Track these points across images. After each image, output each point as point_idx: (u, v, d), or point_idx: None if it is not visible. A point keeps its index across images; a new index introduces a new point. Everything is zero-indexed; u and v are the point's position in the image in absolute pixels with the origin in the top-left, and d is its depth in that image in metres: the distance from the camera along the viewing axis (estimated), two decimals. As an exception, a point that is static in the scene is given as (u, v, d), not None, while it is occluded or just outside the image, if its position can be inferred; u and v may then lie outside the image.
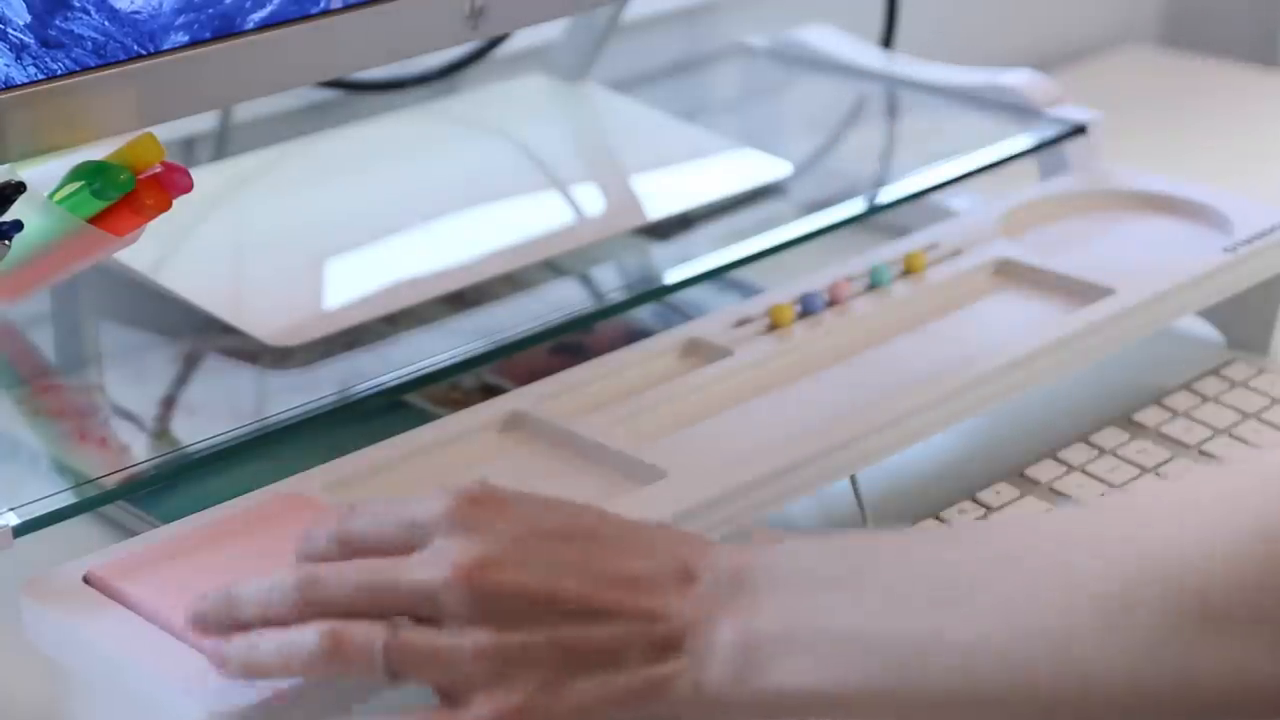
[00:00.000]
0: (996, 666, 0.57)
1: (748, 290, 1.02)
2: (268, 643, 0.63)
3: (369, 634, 0.61)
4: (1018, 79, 1.14)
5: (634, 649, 0.61)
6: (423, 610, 0.62)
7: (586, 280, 1.02)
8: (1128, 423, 0.94)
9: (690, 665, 0.61)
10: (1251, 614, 0.54)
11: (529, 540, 0.62)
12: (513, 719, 0.60)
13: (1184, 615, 0.55)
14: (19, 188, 0.75)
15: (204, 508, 0.76)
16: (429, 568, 0.61)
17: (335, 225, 1.03)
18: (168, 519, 0.76)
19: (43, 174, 0.77)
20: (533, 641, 0.60)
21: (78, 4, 0.74)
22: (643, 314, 1.01)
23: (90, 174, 0.76)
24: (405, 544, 0.63)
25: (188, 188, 0.78)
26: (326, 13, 0.82)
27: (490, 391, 0.88)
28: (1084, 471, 0.89)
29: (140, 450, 0.87)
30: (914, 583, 0.59)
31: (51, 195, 0.77)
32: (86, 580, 0.71)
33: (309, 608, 0.63)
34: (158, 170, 0.77)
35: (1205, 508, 0.57)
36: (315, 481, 0.77)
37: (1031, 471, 0.90)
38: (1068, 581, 0.56)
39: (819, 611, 0.60)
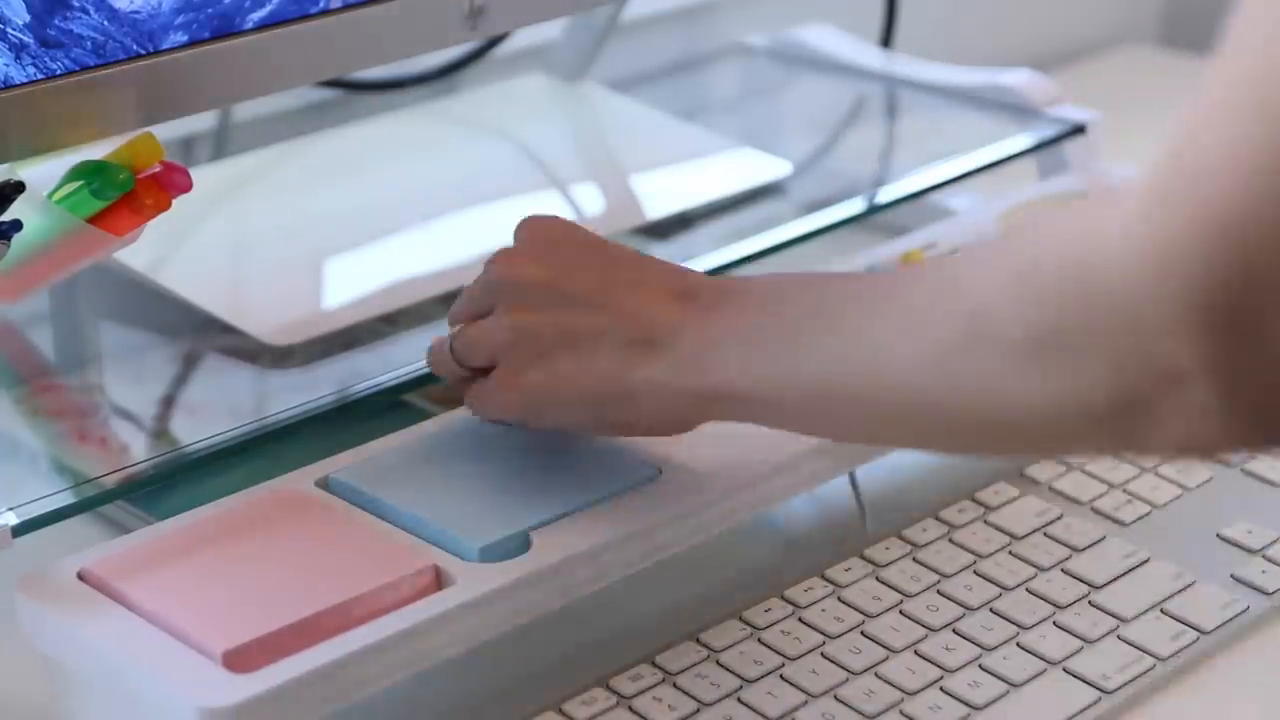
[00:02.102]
0: (841, 370, 0.67)
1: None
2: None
3: (443, 339, 0.78)
4: (1017, 79, 1.14)
5: (613, 338, 0.72)
6: (486, 305, 0.76)
7: (586, 280, 1.02)
8: (1126, 422, 0.94)
9: (653, 361, 0.71)
10: (1021, 344, 0.60)
11: (564, 247, 0.75)
12: (505, 383, 0.74)
13: (962, 331, 0.62)
14: (19, 188, 0.75)
15: (203, 507, 0.76)
16: (489, 267, 0.76)
17: (335, 225, 1.03)
18: (167, 519, 0.76)
19: (43, 174, 0.77)
20: (540, 320, 0.73)
21: (77, 4, 0.74)
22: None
23: (90, 174, 0.76)
24: None
25: (187, 187, 0.78)
26: (326, 13, 0.82)
27: (489, 391, 0.88)
28: (1084, 471, 0.90)
29: (140, 450, 0.87)
30: (808, 309, 0.69)
31: (51, 195, 0.77)
32: (81, 577, 0.71)
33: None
34: (157, 170, 0.77)
35: (997, 249, 0.66)
36: (310, 478, 0.77)
37: (1031, 471, 0.90)
38: (895, 313, 0.66)
39: (750, 323, 0.70)
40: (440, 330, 0.94)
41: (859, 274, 0.70)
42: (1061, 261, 0.59)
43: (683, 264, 0.97)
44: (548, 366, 0.73)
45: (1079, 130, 1.10)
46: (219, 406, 0.90)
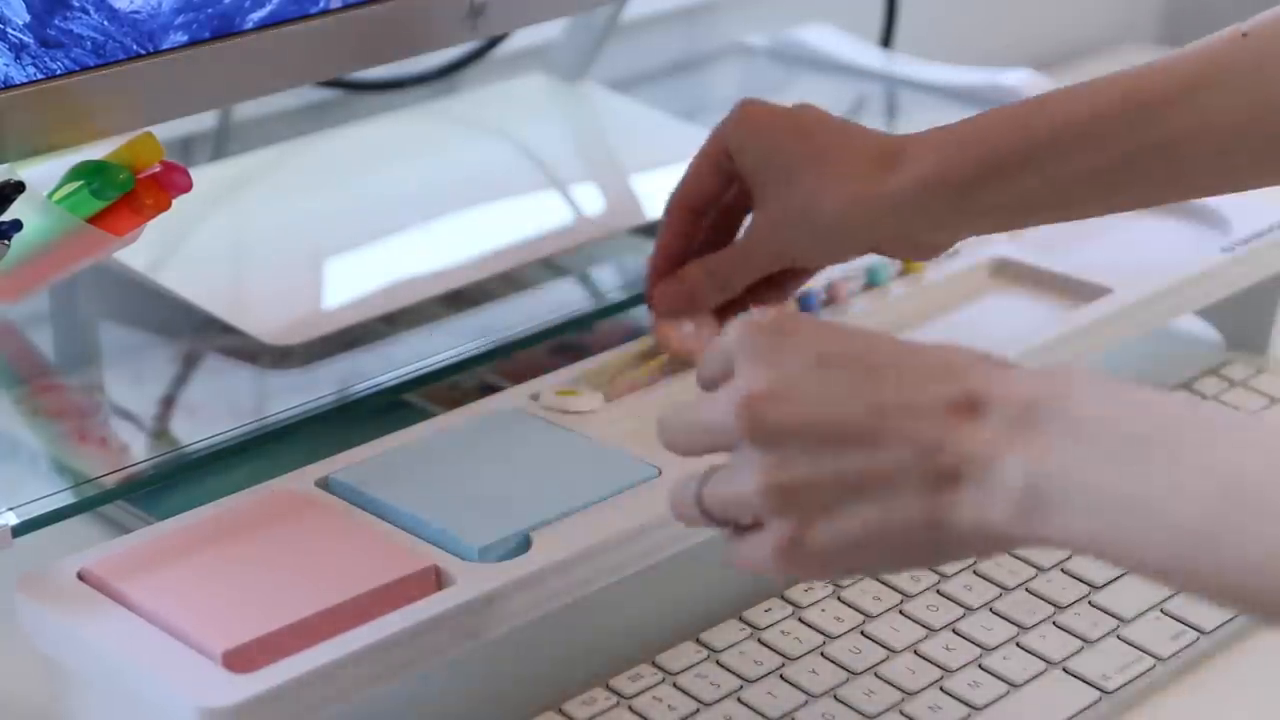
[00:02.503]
0: (1264, 587, 0.56)
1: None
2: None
3: (684, 488, 0.65)
4: (1017, 79, 1.14)
5: (912, 479, 0.60)
6: (723, 445, 0.63)
7: (586, 280, 1.02)
8: (1126, 422, 0.94)
9: (972, 500, 0.60)
10: None
11: (809, 369, 0.62)
12: (788, 550, 0.62)
13: None
14: (19, 188, 0.75)
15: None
16: (720, 404, 0.63)
17: (335, 225, 1.03)
18: (167, 519, 0.76)
19: (43, 174, 0.77)
20: (811, 474, 0.61)
21: (77, 4, 0.74)
22: (642, 314, 1.01)
23: (89, 174, 0.76)
24: (718, 379, 0.65)
25: (187, 187, 0.78)
26: (326, 13, 0.82)
27: (489, 392, 0.88)
28: (1082, 471, 0.90)
29: (140, 450, 0.87)
30: (1205, 474, 0.57)
31: (51, 195, 0.77)
32: (81, 577, 0.71)
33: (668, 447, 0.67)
34: (157, 170, 0.77)
35: None
36: (310, 478, 0.77)
37: (1030, 471, 0.90)
38: None
39: (1111, 471, 0.58)
40: (438, 332, 0.95)
41: (1245, 416, 0.61)
42: None
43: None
44: (838, 526, 0.61)
45: (1079, 130, 1.10)
46: (219, 406, 0.90)
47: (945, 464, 0.60)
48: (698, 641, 0.78)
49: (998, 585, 0.82)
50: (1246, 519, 0.56)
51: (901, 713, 0.74)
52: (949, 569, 0.82)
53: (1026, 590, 0.81)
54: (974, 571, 0.82)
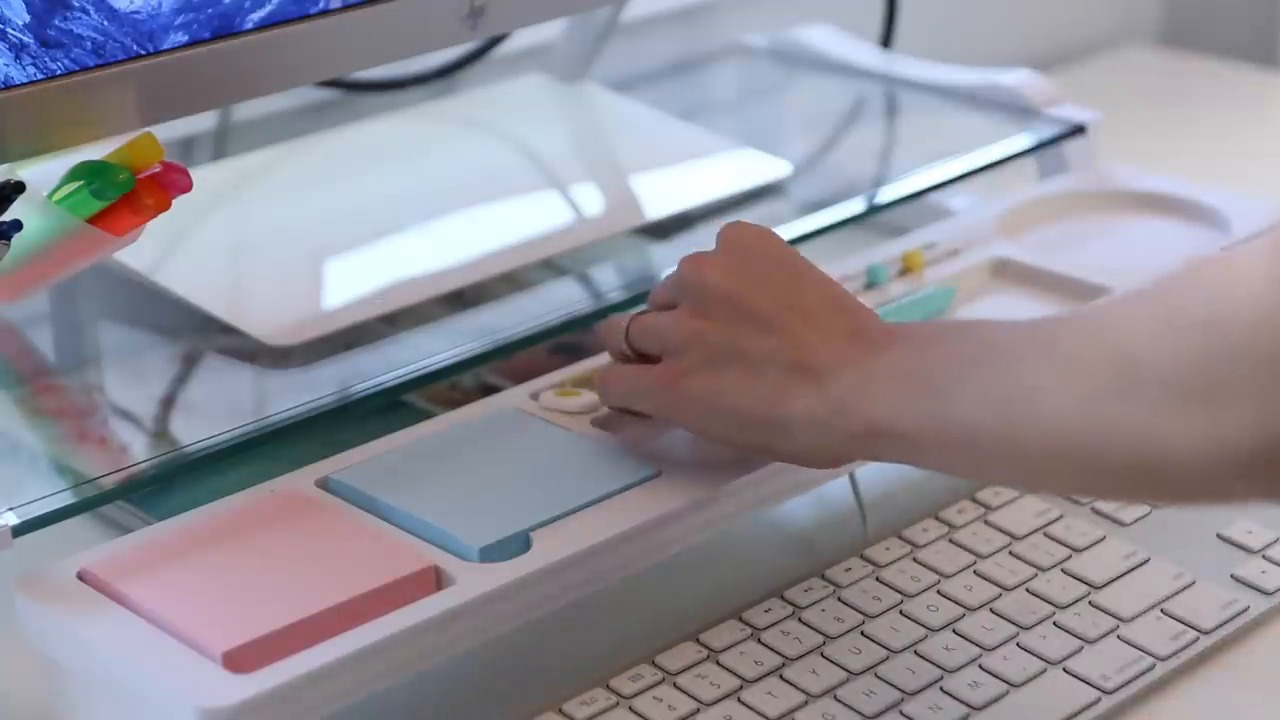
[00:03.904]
0: (993, 414, 0.67)
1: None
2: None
3: (620, 316, 0.79)
4: (1017, 79, 1.14)
5: (776, 363, 0.73)
6: (673, 301, 0.77)
7: (586, 280, 1.02)
8: (1126, 422, 0.94)
9: (807, 392, 0.72)
10: (1169, 388, 0.61)
11: (750, 258, 0.76)
12: (667, 383, 0.75)
13: (1111, 376, 0.63)
14: (19, 188, 0.75)
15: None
16: (680, 266, 0.77)
17: (335, 225, 1.03)
18: (167, 519, 0.76)
19: (43, 174, 0.77)
20: (716, 329, 0.74)
21: (77, 4, 0.74)
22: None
23: (89, 174, 0.76)
24: None
25: (187, 187, 0.78)
26: (326, 13, 0.82)
27: (489, 392, 0.88)
28: (1082, 471, 0.90)
29: (139, 450, 0.87)
30: (957, 352, 0.70)
31: (51, 195, 0.77)
32: (81, 577, 0.71)
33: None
34: (157, 170, 0.77)
35: (1144, 294, 0.65)
36: (310, 478, 0.77)
37: (1030, 471, 0.90)
38: (1046, 358, 0.67)
39: (902, 365, 0.71)
40: (438, 332, 0.95)
41: (1017, 321, 0.70)
42: (1207, 305, 0.60)
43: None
44: (711, 377, 0.74)
45: (1079, 130, 1.10)
46: (219, 406, 0.90)
47: (806, 361, 0.72)
48: (697, 641, 0.78)
49: (998, 585, 0.82)
50: (973, 375, 0.68)
51: (901, 713, 0.74)
52: (949, 568, 0.82)
53: (1026, 590, 0.81)
54: (974, 572, 0.82)
